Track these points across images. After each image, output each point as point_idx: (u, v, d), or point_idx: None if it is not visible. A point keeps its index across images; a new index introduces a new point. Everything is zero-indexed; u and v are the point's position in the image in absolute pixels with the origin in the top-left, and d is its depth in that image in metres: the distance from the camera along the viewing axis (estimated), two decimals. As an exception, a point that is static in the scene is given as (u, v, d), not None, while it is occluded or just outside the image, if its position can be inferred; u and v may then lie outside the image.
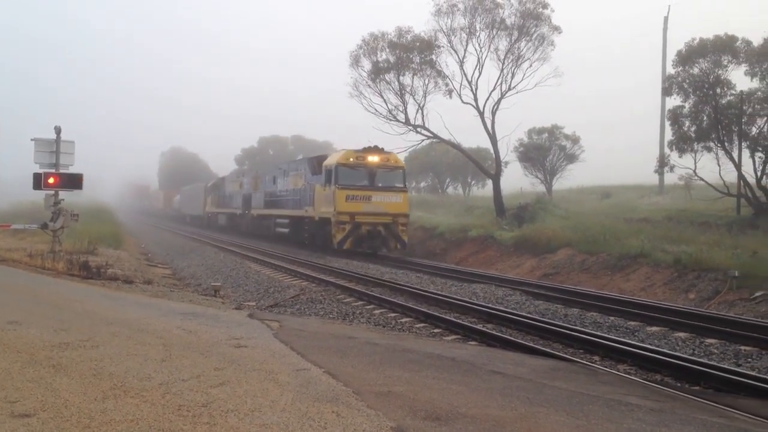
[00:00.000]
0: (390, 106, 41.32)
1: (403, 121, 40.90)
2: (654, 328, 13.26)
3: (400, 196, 29.45)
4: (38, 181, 20.32)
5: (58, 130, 20.57)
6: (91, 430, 5.28)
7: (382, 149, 30.03)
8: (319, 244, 30.73)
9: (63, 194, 21.23)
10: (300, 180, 33.72)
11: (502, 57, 38.75)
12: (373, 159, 29.18)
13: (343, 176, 28.74)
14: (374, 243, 28.89)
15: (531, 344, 11.48)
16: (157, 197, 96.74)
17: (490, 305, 15.46)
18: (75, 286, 15.15)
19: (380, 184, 29.20)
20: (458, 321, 13.53)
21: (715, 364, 10.21)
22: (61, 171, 20.67)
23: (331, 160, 29.73)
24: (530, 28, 38.14)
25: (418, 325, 13.56)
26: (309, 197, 31.58)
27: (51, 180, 20.38)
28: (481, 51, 39.00)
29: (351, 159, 29.00)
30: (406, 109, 40.94)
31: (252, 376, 7.13)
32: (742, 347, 11.52)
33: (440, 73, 40.20)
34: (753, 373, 9.66)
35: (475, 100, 39.36)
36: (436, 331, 13.05)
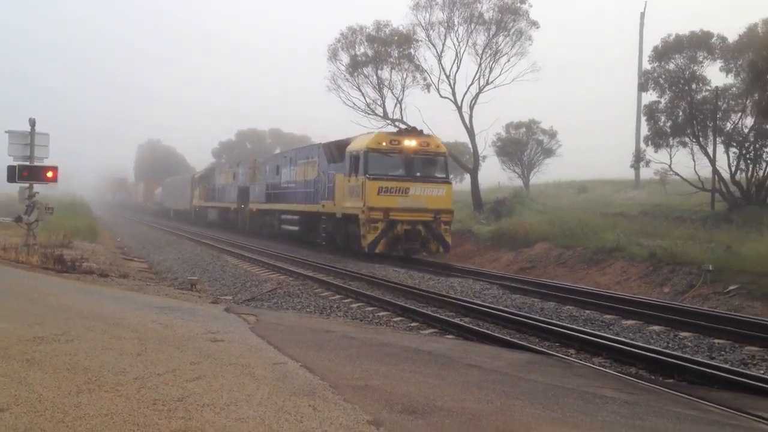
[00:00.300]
0: (368, 100, 41.36)
1: (382, 115, 40.96)
2: (629, 322, 13.38)
3: (442, 188, 24.46)
4: (12, 174, 20.07)
5: (32, 123, 20.31)
6: (65, 425, 5.23)
7: (421, 131, 25.20)
8: (341, 246, 26.09)
9: (38, 187, 20.99)
10: (312, 169, 28.80)
11: (480, 51, 38.90)
12: (410, 143, 24.16)
13: (374, 164, 23.76)
14: (412, 245, 24.11)
15: (508, 338, 11.53)
16: (136, 190, 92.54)
17: (467, 299, 15.51)
18: (49, 280, 15.00)
19: (418, 174, 24.38)
20: (435, 315, 13.56)
21: (688, 357, 10.32)
22: (36, 164, 20.43)
23: (358, 145, 24.75)
24: (508, 23, 38.31)
25: (395, 319, 13.58)
26: (326, 190, 26.55)
27: (25, 173, 20.13)
28: (459, 45, 39.12)
29: (383, 143, 24.00)
30: (384, 103, 41.00)
31: (228, 371, 7.09)
32: (716, 340, 11.66)
33: (418, 67, 40.28)
34: (726, 366, 9.77)
35: (453, 94, 39.49)
36: (413, 324, 13.07)
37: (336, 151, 26.56)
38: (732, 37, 31.80)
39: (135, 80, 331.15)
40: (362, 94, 41.36)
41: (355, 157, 24.24)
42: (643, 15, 49.07)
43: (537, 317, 13.39)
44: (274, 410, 5.79)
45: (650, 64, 33.97)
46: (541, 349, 10.67)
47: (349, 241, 24.99)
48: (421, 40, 39.74)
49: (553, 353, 10.33)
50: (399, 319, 13.62)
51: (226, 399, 6.05)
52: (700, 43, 32.31)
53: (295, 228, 30.78)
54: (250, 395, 6.21)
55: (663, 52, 33.04)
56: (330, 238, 26.98)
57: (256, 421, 5.48)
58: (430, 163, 24.81)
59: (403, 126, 38.45)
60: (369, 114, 41.44)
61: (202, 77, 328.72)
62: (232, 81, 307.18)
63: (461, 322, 12.84)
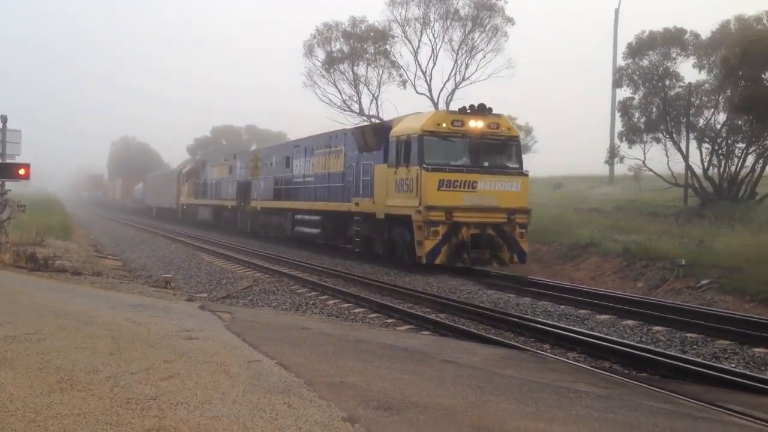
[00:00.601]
0: (344, 96, 41.42)
1: (358, 111, 40.99)
2: (603, 317, 13.48)
3: (517, 181, 19.59)
4: (-18, 172, 19.79)
5: (3, 119, 20.05)
6: (37, 425, 5.18)
7: (490, 109, 19.73)
8: (383, 254, 21.41)
9: (10, 184, 20.73)
10: (337, 160, 24.33)
11: (456, 48, 39.12)
12: (477, 124, 19.26)
13: (431, 151, 18.97)
14: (480, 254, 19.19)
15: (483, 333, 11.58)
16: (113, 187, 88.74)
17: (443, 295, 15.54)
18: (22, 278, 14.84)
19: (486, 164, 19.58)
20: (412, 311, 13.57)
21: (661, 351, 10.43)
22: (8, 161, 20.17)
23: (408, 127, 20.02)
24: (484, 19, 38.52)
25: (371, 316, 13.58)
26: (361, 184, 21.94)
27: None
28: (435, 41, 39.32)
29: (443, 124, 19.13)
30: (360, 99, 41.10)
31: (203, 369, 7.06)
32: (688, 334, 11.78)
33: (394, 64, 40.40)
34: (698, 360, 9.89)
35: (430, 90, 39.68)
36: (389, 321, 13.07)
37: (372, 136, 21.97)
38: (705, 33, 32.20)
39: (106, 72, 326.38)
40: (338, 90, 41.45)
41: (405, 143, 19.56)
42: (617, 12, 49.44)
43: (512, 312, 13.46)
44: (248, 408, 5.78)
45: (624, 60, 34.27)
46: (516, 344, 10.72)
47: (396, 248, 20.61)
48: (397, 37, 39.90)
49: (528, 348, 10.39)
50: (375, 315, 13.62)
51: (201, 397, 6.02)
52: (673, 40, 32.61)
53: (315, 231, 26.16)
54: (224, 393, 6.19)
55: (637, 49, 33.31)
56: (366, 244, 22.21)
57: (230, 419, 5.47)
58: (500, 149, 19.96)
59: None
60: (345, 110, 41.48)
61: (175, 71, 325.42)
62: (206, 76, 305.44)
63: (437, 318, 12.87)
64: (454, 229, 18.73)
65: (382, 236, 21.22)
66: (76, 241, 30.42)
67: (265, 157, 33.03)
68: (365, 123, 24.47)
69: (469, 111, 19.49)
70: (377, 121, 37.29)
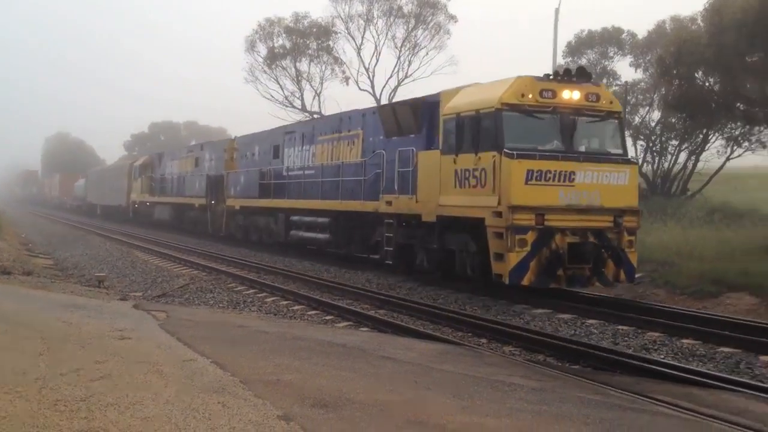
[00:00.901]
0: (286, 93, 41.18)
1: (300, 107, 40.80)
2: (539, 311, 13.67)
3: (624, 172, 14.66)
4: None
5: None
6: (-41, 430, 5.03)
7: (589, 75, 15.21)
8: (431, 269, 16.76)
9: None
10: (351, 147, 20.04)
11: (399, 45, 39.25)
12: (571, 96, 14.34)
13: (512, 131, 14.00)
14: (579, 270, 14.05)
15: (421, 329, 11.64)
16: (50, 184, 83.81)
17: (382, 291, 15.58)
18: (-53, 279, 14.37)
19: (583, 148, 14.72)
20: (350, 308, 13.55)
21: (593, 343, 10.65)
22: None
23: (477, 99, 14.82)
24: (427, 17, 38.77)
25: (310, 313, 13.53)
26: (396, 176, 17.10)
27: None
28: (378, 38, 39.41)
29: (529, 95, 14.10)
30: (302, 95, 40.91)
31: (135, 369, 6.94)
32: (620, 327, 12.04)
33: (337, 60, 40.42)
34: (629, 352, 10.14)
35: (372, 87, 39.77)
36: (328, 318, 13.05)
37: (408, 115, 17.20)
38: (642, 33, 33.04)
39: (37, 44, 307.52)
40: (280, 86, 41.22)
41: (472, 121, 14.60)
42: (557, 11, 50.20)
43: (450, 308, 13.56)
44: (181, 408, 5.71)
45: (564, 59, 34.88)
46: (453, 339, 10.82)
47: (456, 262, 15.56)
48: (341, 33, 39.84)
49: (465, 343, 10.50)
50: (314, 312, 13.57)
51: (132, 398, 5.92)
52: (611, 39, 33.41)
53: (322, 236, 21.48)
54: (157, 393, 6.10)
55: (576, 48, 33.99)
56: (402, 255, 17.49)
57: (162, 420, 5.39)
58: (601, 128, 15.10)
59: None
60: (287, 106, 41.26)
61: (111, 49, 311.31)
62: (144, 62, 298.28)
63: (376, 315, 12.88)
64: (545, 238, 13.73)
65: (430, 245, 16.38)
66: (7, 240, 29.54)
67: (244, 147, 28.32)
68: (399, 100, 20.17)
69: (562, 77, 14.75)
70: (319, 116, 36.98)
